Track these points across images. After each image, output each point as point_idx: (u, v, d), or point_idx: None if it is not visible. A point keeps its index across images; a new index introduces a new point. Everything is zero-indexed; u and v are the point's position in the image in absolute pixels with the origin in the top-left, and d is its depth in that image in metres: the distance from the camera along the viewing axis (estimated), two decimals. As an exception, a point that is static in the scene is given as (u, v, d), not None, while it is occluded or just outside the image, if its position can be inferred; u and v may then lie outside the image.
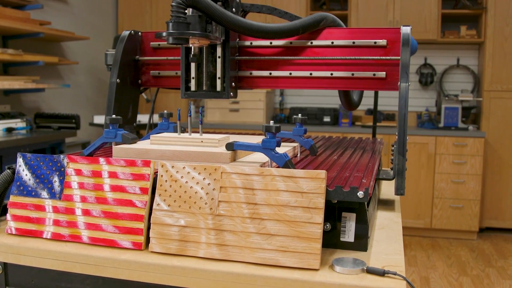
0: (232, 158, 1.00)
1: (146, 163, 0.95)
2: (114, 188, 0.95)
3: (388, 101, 4.89)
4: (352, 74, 1.46)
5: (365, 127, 4.61)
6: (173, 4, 1.23)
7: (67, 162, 1.00)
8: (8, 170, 1.06)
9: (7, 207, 1.02)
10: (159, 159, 1.00)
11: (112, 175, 0.96)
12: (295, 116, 1.27)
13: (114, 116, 1.10)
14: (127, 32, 1.56)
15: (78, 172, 0.99)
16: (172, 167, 0.92)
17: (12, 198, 1.02)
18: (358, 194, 0.87)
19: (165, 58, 1.59)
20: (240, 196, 0.88)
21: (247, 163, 0.98)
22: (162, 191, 0.92)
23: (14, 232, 1.00)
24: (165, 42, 1.60)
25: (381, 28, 1.45)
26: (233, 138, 1.26)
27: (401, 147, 1.27)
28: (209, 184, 0.90)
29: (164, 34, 1.25)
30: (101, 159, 0.97)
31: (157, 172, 0.96)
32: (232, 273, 0.83)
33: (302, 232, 0.84)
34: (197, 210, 0.89)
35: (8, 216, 1.02)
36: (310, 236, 0.84)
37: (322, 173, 0.85)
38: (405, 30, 1.35)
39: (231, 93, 1.48)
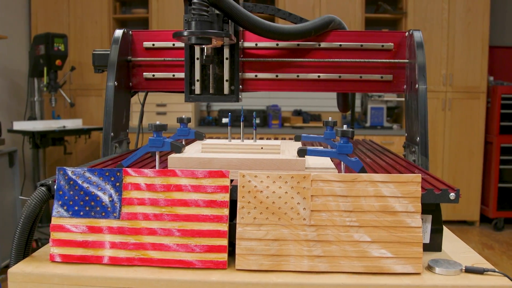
0: (305, 165, 0.95)
1: (222, 174, 0.87)
2: (188, 203, 0.86)
3: (313, 102, 5.04)
4: (361, 77, 1.47)
5: (295, 128, 4.70)
6: (196, 1, 1.15)
7: (124, 176, 0.89)
8: (42, 188, 0.92)
9: (50, 231, 0.89)
10: (225, 168, 0.93)
11: (184, 188, 0.87)
12: (326, 121, 1.24)
13: (158, 122, 1.00)
14: (120, 32, 1.43)
15: (138, 187, 0.88)
16: (255, 176, 0.86)
17: (55, 220, 0.89)
18: (450, 195, 0.87)
19: (162, 59, 1.48)
20: (334, 204, 0.84)
21: (320, 169, 0.95)
22: (245, 203, 0.85)
23: (59, 259, 0.87)
24: (160, 42, 1.50)
25: (388, 31, 1.48)
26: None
27: (424, 148, 1.30)
28: (298, 193, 0.85)
29: (185, 33, 1.17)
30: (169, 171, 0.88)
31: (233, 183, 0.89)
32: (342, 285, 0.79)
33: (403, 237, 0.83)
34: (288, 221, 0.84)
35: (51, 242, 0.88)
36: (412, 240, 0.83)
37: (418, 177, 0.85)
38: (417, 33, 1.39)
39: (240, 96, 1.43)
